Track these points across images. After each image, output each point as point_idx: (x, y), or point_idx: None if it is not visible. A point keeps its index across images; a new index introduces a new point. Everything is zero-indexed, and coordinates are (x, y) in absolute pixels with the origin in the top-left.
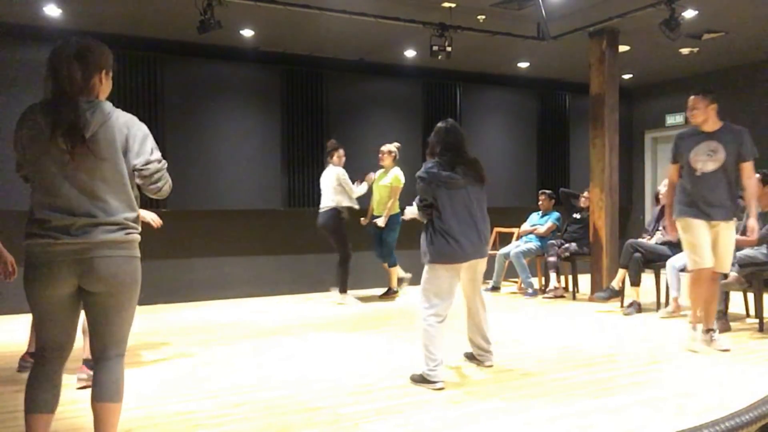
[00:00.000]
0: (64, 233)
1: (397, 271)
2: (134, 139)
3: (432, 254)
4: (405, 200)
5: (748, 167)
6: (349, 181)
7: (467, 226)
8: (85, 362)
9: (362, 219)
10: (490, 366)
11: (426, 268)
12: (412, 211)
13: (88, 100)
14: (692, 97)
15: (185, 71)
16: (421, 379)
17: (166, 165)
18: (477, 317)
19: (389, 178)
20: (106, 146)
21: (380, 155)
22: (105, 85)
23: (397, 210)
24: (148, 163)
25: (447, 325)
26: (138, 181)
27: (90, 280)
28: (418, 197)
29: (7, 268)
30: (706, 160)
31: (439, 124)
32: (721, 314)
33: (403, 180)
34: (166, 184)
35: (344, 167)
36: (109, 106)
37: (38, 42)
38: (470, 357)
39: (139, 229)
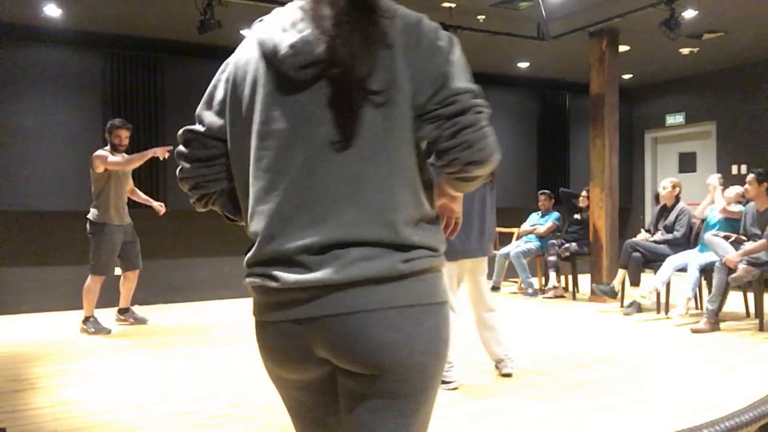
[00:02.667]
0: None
1: None
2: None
3: None
4: None
5: None
6: None
7: (468, 223)
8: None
9: None
10: (509, 375)
11: None
12: None
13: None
14: None
15: (185, 71)
16: None
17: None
18: (484, 322)
19: None
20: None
21: None
22: None
23: None
24: (456, 95)
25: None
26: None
27: (334, 352)
28: None
29: None
30: None
31: None
32: (713, 314)
33: None
34: (481, 151)
35: None
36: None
37: (38, 42)
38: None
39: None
